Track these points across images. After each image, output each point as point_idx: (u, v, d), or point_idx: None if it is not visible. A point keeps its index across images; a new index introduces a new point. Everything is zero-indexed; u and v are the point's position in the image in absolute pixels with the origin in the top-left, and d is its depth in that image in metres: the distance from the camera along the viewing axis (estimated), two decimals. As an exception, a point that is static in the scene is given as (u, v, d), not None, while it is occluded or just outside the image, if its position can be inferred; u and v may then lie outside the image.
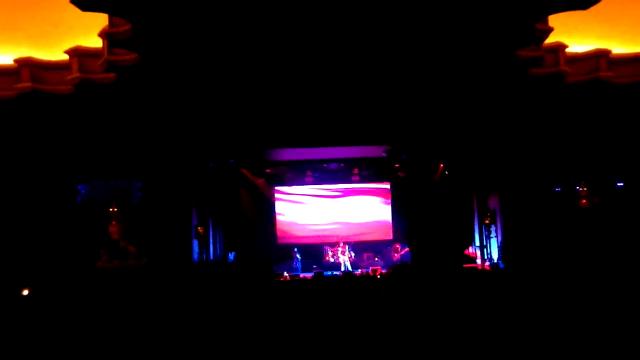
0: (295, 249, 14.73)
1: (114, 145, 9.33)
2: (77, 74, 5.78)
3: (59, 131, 7.82)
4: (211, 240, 13.84)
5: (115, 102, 6.82)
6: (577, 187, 11.93)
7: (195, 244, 13.09)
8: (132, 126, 7.90)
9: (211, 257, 13.73)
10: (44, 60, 6.27)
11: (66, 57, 5.98)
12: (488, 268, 12.70)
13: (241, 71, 6.56)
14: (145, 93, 6.34)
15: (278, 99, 7.72)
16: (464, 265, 12.96)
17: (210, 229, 13.79)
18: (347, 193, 15.90)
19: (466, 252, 14.64)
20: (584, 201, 11.51)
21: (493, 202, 13.16)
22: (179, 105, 7.20)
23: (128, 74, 5.67)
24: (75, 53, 5.83)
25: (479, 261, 13.55)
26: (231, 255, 13.80)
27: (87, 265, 10.79)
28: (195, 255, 13.03)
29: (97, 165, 11.11)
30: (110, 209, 11.95)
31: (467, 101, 7.96)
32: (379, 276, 12.26)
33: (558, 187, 12.18)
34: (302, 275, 13.48)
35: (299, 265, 14.37)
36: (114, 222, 12.01)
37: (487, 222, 13.23)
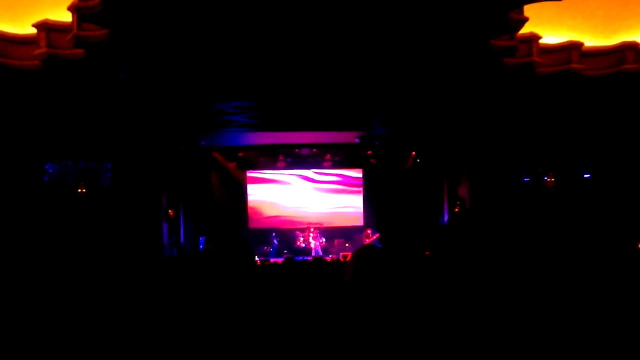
0: (274, 234, 14.75)
1: (83, 124, 9.10)
2: (45, 49, 5.56)
3: (26, 108, 7.56)
4: (182, 224, 13.71)
5: (84, 80, 6.60)
6: (545, 178, 12.21)
7: (166, 227, 12.95)
8: (102, 105, 7.70)
9: (182, 240, 13.62)
10: (10, 33, 6.01)
11: (34, 30, 5.75)
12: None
13: (214, 51, 6.43)
14: (116, 71, 6.17)
15: (251, 81, 7.62)
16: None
17: (181, 213, 13.65)
18: (319, 178, 15.93)
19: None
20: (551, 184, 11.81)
21: (463, 190, 13.37)
22: (150, 85, 7.04)
23: (98, 50, 5.50)
24: (43, 27, 5.60)
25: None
26: (202, 240, 13.70)
27: (55, 246, 10.57)
28: (165, 239, 12.90)
29: (66, 145, 10.84)
30: (79, 190, 11.71)
31: (440, 89, 8.01)
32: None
33: (526, 177, 12.44)
34: (272, 260, 13.50)
35: (274, 250, 14.39)
36: (82, 203, 11.78)
37: (456, 210, 13.45)
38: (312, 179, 15.93)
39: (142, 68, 6.46)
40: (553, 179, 11.83)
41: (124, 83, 6.51)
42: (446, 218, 14.11)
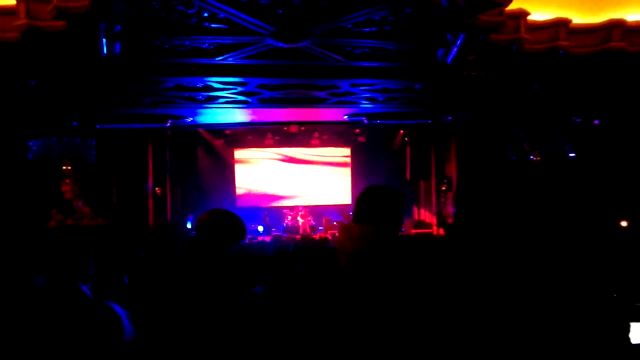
0: (266, 213, 14.76)
1: (67, 99, 8.96)
2: (25, 20, 5.42)
3: (6, 82, 7.41)
4: (169, 202, 13.66)
5: (66, 53, 6.48)
6: (531, 157, 12.31)
7: (153, 204, 12.92)
8: (85, 79, 7.57)
9: (169, 218, 13.59)
10: (-13, 4, 5.87)
11: (13, 1, 5.61)
12: (443, 233, 13.05)
13: (197, 23, 6.33)
14: (98, 43, 6.05)
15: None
16: (420, 230, 13.38)
17: (168, 191, 13.59)
18: (307, 157, 15.92)
19: (423, 217, 15.03)
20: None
21: (450, 169, 13.45)
22: (132, 58, 6.92)
23: (79, 22, 5.38)
24: (23, -3, 5.48)
25: (434, 226, 13.91)
26: (190, 219, 13.67)
27: (38, 225, 10.49)
28: (153, 216, 12.87)
29: (49, 121, 10.69)
30: (64, 167, 11.60)
31: (428, 64, 7.97)
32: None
33: (513, 156, 12.53)
34: (260, 238, 13.55)
35: (265, 228, 14.41)
36: (67, 181, 11.69)
37: (443, 188, 13.55)
38: (301, 157, 15.92)
39: (124, 42, 6.34)
40: (539, 158, 11.93)
41: (106, 56, 6.39)
42: (434, 197, 14.21)
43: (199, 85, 8.82)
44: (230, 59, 7.49)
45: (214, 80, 8.49)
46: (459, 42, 7.16)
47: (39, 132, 10.92)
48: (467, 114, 11.57)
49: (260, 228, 14.37)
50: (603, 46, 7.57)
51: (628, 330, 2.75)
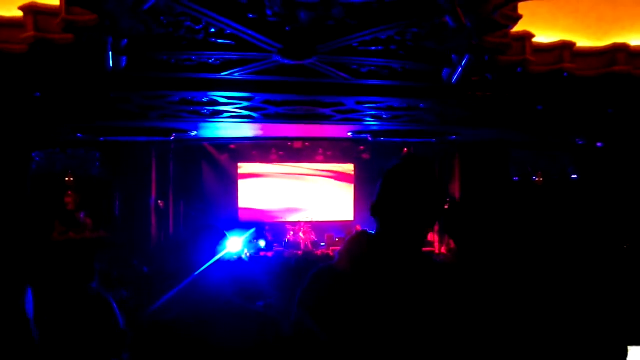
0: (267, 227, 14.73)
1: (72, 111, 9.01)
2: (32, 33, 5.46)
3: (12, 94, 7.46)
4: (171, 215, 13.65)
5: (73, 66, 6.52)
6: (534, 178, 12.28)
7: (155, 218, 12.91)
8: (90, 92, 7.61)
9: (171, 231, 13.58)
10: (-5, 15, 5.91)
11: (20, 13, 5.65)
12: (445, 252, 12.99)
13: (204, 39, 6.38)
14: (104, 57, 6.09)
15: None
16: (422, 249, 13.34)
17: (171, 204, 13.59)
18: (311, 173, 15.92)
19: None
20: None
21: (454, 188, 13.42)
22: (138, 72, 6.96)
23: (87, 35, 5.42)
24: (30, 10, 5.50)
25: (436, 245, 13.85)
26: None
27: (42, 237, 10.48)
28: (155, 230, 12.85)
29: (54, 133, 10.73)
30: (67, 179, 11.63)
31: (433, 83, 8.00)
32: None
33: (516, 177, 12.50)
34: (262, 253, 13.50)
35: (267, 243, 14.36)
36: (70, 192, 11.72)
37: (446, 207, 13.50)
38: (304, 173, 15.92)
39: (130, 56, 6.38)
40: (542, 179, 11.91)
41: (112, 70, 6.43)
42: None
43: (204, 99, 8.86)
44: (236, 74, 7.52)
45: (219, 95, 8.53)
46: (464, 62, 7.18)
47: (42, 143, 10.96)
48: (471, 134, 11.57)
49: (262, 243, 14.31)
50: (608, 69, 7.60)
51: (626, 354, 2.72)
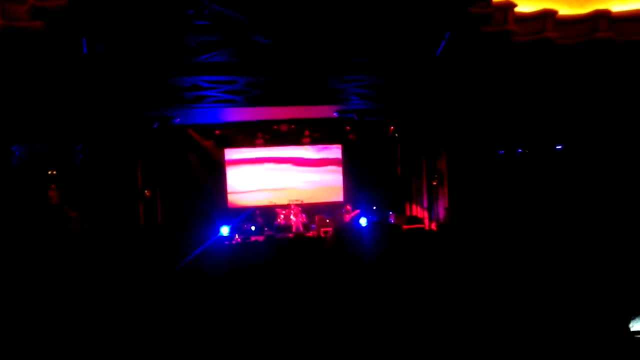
0: (258, 212, 14.64)
1: (50, 103, 8.80)
2: (1, 21, 5.30)
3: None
4: (159, 204, 13.53)
5: (46, 55, 6.33)
6: (519, 150, 12.27)
7: (142, 208, 12.78)
8: (68, 82, 7.42)
9: (159, 220, 13.47)
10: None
11: (-13, 3, 5.48)
12: (435, 228, 13.02)
13: (180, 22, 6.23)
14: (79, 44, 5.92)
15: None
16: (413, 226, 13.35)
17: (158, 193, 13.46)
18: (298, 155, 15.83)
19: (415, 212, 15.00)
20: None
21: (441, 164, 13.40)
22: (117, 58, 6.79)
23: (57, 21, 5.25)
24: (-3, -2, 5.34)
25: (426, 222, 13.88)
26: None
27: (26, 231, 10.32)
28: (142, 220, 12.73)
29: (33, 126, 10.51)
30: (50, 172, 11.42)
31: (418, 59, 7.92)
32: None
33: (501, 150, 12.49)
34: (253, 238, 13.44)
35: (257, 228, 14.31)
36: (53, 186, 11.52)
37: (434, 183, 13.50)
38: (292, 155, 15.82)
39: (106, 40, 6.21)
40: (527, 151, 11.91)
41: (88, 57, 6.25)
42: (425, 192, 14.18)
43: (187, 84, 8.71)
44: (215, 58, 7.39)
45: (201, 80, 8.39)
46: (447, 34, 7.12)
47: (22, 137, 10.73)
48: (456, 108, 11.52)
49: (253, 228, 14.27)
50: (590, 36, 7.58)
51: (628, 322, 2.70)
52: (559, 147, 11.94)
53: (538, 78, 9.15)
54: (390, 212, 14.61)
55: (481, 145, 12.13)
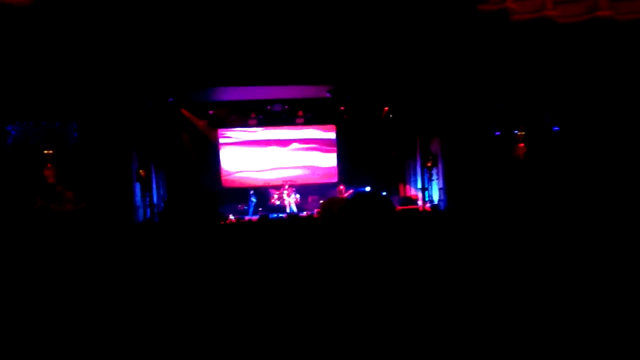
0: (252, 192, 14.63)
1: (43, 81, 8.68)
2: (-9, -4, 5.18)
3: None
4: (154, 184, 13.47)
5: (38, 32, 6.22)
6: (515, 131, 12.26)
7: (137, 187, 12.71)
8: (61, 60, 7.30)
9: (155, 201, 13.42)
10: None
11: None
12: (429, 209, 13.06)
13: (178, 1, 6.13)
14: (72, 21, 5.81)
15: (218, 33, 7.32)
16: (407, 207, 13.38)
17: (153, 172, 13.39)
18: (291, 135, 15.78)
19: (409, 193, 15.03)
20: (521, 146, 11.87)
21: (435, 145, 13.39)
22: (112, 36, 6.69)
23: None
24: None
25: (420, 203, 13.91)
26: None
27: (22, 211, 10.28)
28: (138, 200, 12.68)
29: (26, 104, 10.40)
30: (45, 151, 11.34)
31: (412, 39, 7.85)
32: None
33: (497, 131, 12.48)
34: (247, 217, 13.46)
35: (251, 208, 14.33)
36: (49, 165, 11.44)
37: (429, 164, 13.51)
38: (285, 136, 15.77)
39: (101, 16, 6.10)
40: (523, 133, 11.90)
41: (83, 34, 6.15)
42: (419, 173, 14.19)
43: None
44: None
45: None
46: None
47: (15, 116, 10.61)
48: (451, 88, 11.46)
49: (246, 208, 14.30)
50: (590, 15, 7.50)
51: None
52: (556, 128, 11.94)
53: (536, 58, 9.09)
54: (384, 193, 14.63)
55: (476, 126, 12.12)
